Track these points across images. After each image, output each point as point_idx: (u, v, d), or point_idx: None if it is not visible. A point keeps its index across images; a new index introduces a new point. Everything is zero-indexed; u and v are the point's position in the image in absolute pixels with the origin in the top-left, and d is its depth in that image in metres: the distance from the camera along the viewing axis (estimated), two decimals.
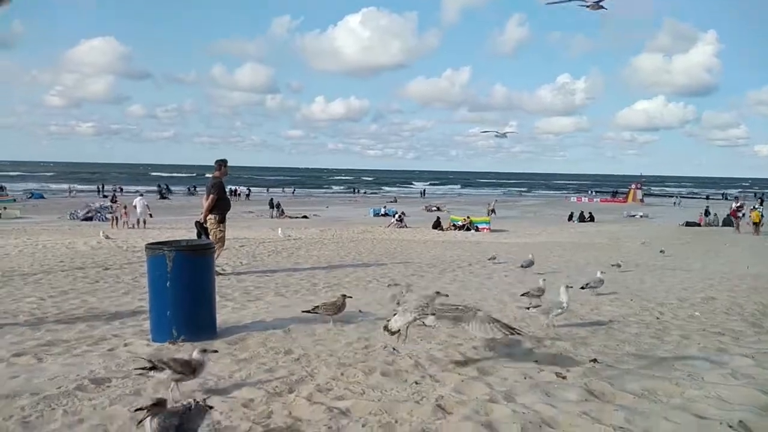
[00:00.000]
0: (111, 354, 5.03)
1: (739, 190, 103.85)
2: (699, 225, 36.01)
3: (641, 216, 45.81)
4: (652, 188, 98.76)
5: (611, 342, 5.65)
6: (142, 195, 30.12)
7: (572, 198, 75.04)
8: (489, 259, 13.69)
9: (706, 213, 39.55)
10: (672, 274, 12.34)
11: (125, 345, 5.34)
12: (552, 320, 6.21)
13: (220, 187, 10.36)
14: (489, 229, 30.51)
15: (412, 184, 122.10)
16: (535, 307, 6.32)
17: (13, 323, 6.31)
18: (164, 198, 55.60)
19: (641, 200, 65.05)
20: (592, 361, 4.82)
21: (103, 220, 30.03)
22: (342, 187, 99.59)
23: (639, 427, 3.33)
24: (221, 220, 10.28)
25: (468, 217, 32.45)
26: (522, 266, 11.66)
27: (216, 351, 4.62)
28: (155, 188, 64.08)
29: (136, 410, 2.81)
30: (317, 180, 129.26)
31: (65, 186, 68.99)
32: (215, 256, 7.57)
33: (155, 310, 5.60)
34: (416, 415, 3.56)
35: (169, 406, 3.06)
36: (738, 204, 33.30)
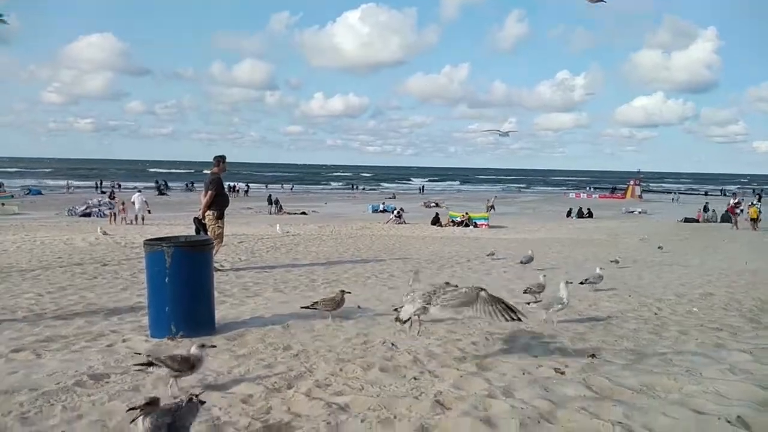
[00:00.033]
0: (110, 350, 5.03)
1: (738, 186, 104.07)
2: (697, 221, 36.09)
3: (640, 212, 45.88)
4: (651, 184, 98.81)
5: (610, 337, 5.66)
6: (140, 191, 30.01)
7: (571, 194, 75.07)
8: (487, 255, 13.70)
9: (705, 209, 39.61)
10: (670, 270, 12.37)
11: (124, 341, 5.34)
12: (552, 316, 6.22)
13: (219, 184, 10.34)
14: (487, 225, 30.54)
15: (410, 180, 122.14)
16: (535, 302, 6.33)
17: (12, 319, 6.30)
18: (162, 194, 55.53)
19: (640, 196, 65.13)
20: (590, 356, 4.83)
21: (101, 216, 29.98)
22: (340, 184, 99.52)
23: (637, 423, 3.33)
24: (220, 216, 10.27)
25: (466, 214, 32.47)
26: (522, 262, 11.67)
27: (214, 346, 4.62)
28: (153, 184, 63.99)
29: (129, 410, 2.81)
30: (316, 176, 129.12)
31: (63, 182, 68.82)
32: (214, 252, 7.56)
33: (154, 306, 5.60)
34: (415, 411, 3.56)
35: (165, 402, 3.06)
36: (736, 200, 33.41)
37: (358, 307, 6.94)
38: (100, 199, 33.88)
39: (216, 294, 6.39)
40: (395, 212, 33.37)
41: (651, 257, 15.32)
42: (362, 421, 3.41)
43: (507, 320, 4.33)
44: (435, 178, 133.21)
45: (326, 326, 5.94)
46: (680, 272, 12.07)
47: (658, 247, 17.46)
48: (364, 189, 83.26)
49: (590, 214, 40.45)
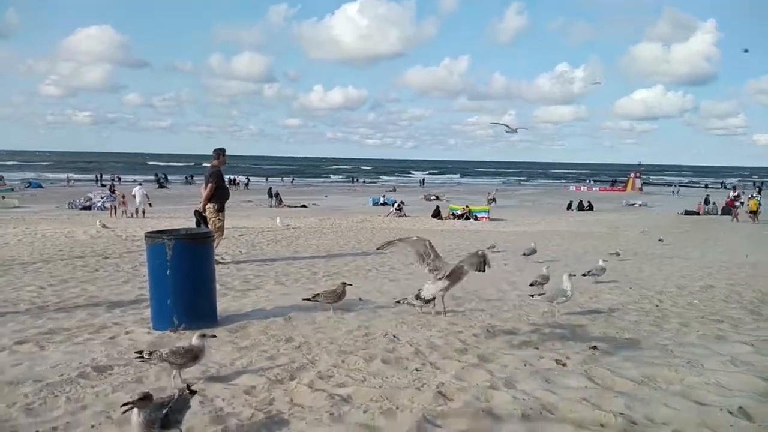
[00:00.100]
0: (112, 342, 5.05)
1: (739, 179, 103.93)
2: (698, 214, 36.07)
3: (640, 205, 45.85)
4: (651, 177, 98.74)
5: (611, 329, 5.68)
6: (141, 184, 29.98)
7: (571, 187, 75.01)
8: (488, 248, 13.70)
9: (706, 201, 39.58)
10: (671, 263, 12.38)
11: (126, 333, 5.35)
12: (556, 308, 6.24)
13: (219, 176, 10.34)
14: (488, 217, 30.53)
15: (410, 173, 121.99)
16: (539, 295, 6.34)
17: (14, 312, 6.32)
18: (162, 187, 55.48)
19: (640, 189, 65.09)
20: (591, 348, 4.84)
21: (102, 209, 29.97)
22: (341, 177, 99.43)
23: (639, 413, 3.35)
24: (220, 209, 10.27)
25: (467, 206, 32.45)
26: (524, 254, 11.68)
27: (215, 336, 4.63)
28: (153, 177, 63.92)
29: (124, 405, 2.83)
30: (316, 169, 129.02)
31: (63, 175, 68.74)
32: (215, 245, 7.57)
33: (156, 298, 5.61)
34: (417, 402, 3.58)
35: (168, 393, 3.09)
36: (735, 193, 33.39)
37: (360, 299, 6.96)
38: (102, 194, 33.79)
39: (217, 287, 6.39)
40: (396, 205, 33.34)
41: (652, 250, 15.33)
42: (365, 411, 3.43)
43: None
44: (435, 171, 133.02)
45: (328, 318, 5.95)
46: (681, 264, 12.09)
47: (659, 240, 17.47)
48: (364, 182, 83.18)
49: (590, 207, 40.43)
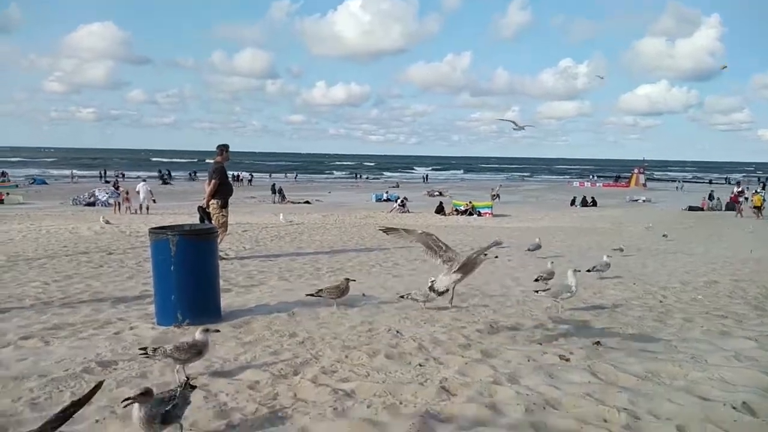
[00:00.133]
0: (117, 337, 5.06)
1: (743, 174, 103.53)
2: (702, 209, 35.95)
3: (644, 201, 45.75)
4: (655, 173, 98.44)
5: (614, 325, 5.67)
6: (144, 181, 30.07)
7: (575, 183, 74.87)
8: (492, 243, 13.68)
9: (710, 197, 39.45)
10: (674, 258, 12.36)
11: (131, 328, 5.37)
12: (560, 304, 6.24)
13: (222, 172, 10.33)
14: (491, 213, 30.51)
15: (413, 169, 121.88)
16: (544, 291, 6.34)
17: (20, 307, 6.34)
18: (166, 183, 55.60)
19: (644, 185, 64.89)
20: (595, 343, 4.84)
21: (106, 205, 30.07)
22: (344, 173, 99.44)
23: (643, 409, 3.34)
24: (224, 205, 10.27)
25: (470, 202, 32.43)
26: (529, 249, 11.67)
27: (218, 331, 4.64)
28: (156, 174, 64.04)
29: (125, 400, 2.85)
30: (319, 165, 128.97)
31: (67, 172, 68.95)
32: (218, 240, 7.58)
33: (160, 294, 5.62)
34: (420, 397, 3.58)
35: (170, 388, 3.11)
36: (739, 189, 33.28)
37: (363, 295, 6.96)
38: (106, 190, 33.89)
39: (221, 282, 6.41)
40: (399, 201, 33.34)
41: (655, 245, 15.30)
42: (368, 406, 3.44)
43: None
44: (438, 167, 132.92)
45: (331, 314, 5.96)
46: (685, 260, 12.06)
47: (663, 236, 17.44)
48: (367, 178, 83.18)
49: (594, 203, 40.36)
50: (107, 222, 17.14)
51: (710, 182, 76.85)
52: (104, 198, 31.86)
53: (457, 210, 31.43)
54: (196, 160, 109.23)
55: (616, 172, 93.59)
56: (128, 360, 4.34)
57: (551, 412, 3.36)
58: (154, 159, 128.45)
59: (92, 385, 3.80)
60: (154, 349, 3.89)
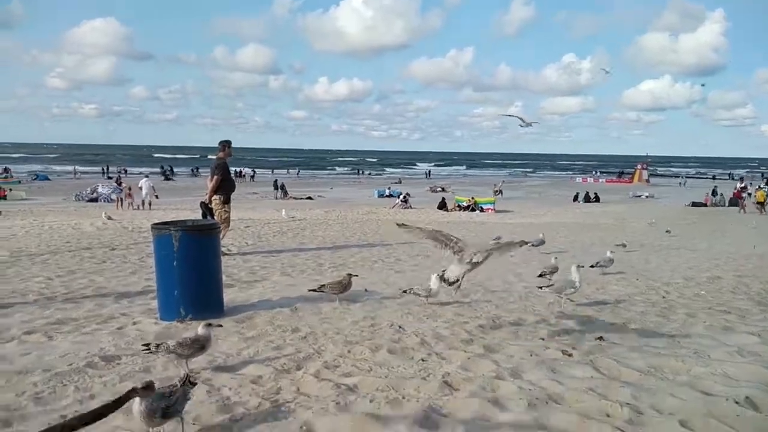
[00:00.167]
0: (120, 332, 5.08)
1: (747, 170, 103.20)
2: (705, 205, 35.88)
3: (647, 197, 45.65)
4: (658, 169, 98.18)
5: (617, 320, 5.66)
6: (147, 176, 30.12)
7: (577, 178, 74.68)
8: (493, 240, 13.68)
9: (714, 193, 39.35)
10: (677, 254, 12.34)
11: (134, 323, 5.39)
12: (563, 299, 6.23)
13: (225, 168, 10.34)
14: (493, 209, 30.49)
15: (416, 165, 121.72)
16: (548, 287, 6.33)
17: (23, 302, 6.36)
18: (168, 179, 55.64)
19: (647, 181, 64.73)
20: (598, 338, 4.83)
21: (108, 201, 30.12)
22: (346, 169, 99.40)
23: (645, 403, 3.34)
24: (226, 201, 10.28)
25: (473, 198, 32.40)
26: (533, 245, 11.65)
27: (221, 326, 4.65)
28: (158, 170, 64.07)
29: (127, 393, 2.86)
30: (321, 161, 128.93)
31: (69, 168, 68.96)
32: (221, 236, 7.59)
33: (162, 289, 5.64)
34: (423, 392, 3.58)
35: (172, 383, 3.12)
36: (742, 185, 33.19)
37: (365, 290, 6.97)
38: (108, 186, 33.94)
39: (224, 278, 6.43)
40: (401, 197, 33.32)
41: (658, 241, 15.28)
42: (371, 401, 3.44)
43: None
44: (441, 163, 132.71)
45: (334, 309, 5.97)
46: (688, 256, 12.04)
47: (666, 231, 17.41)
48: (369, 174, 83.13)
49: (597, 199, 40.29)
50: (109, 218, 17.17)
51: (713, 178, 76.64)
52: (107, 192, 31.90)
53: (459, 206, 31.40)
54: (198, 156, 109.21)
55: (619, 167, 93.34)
56: (131, 355, 4.35)
57: (554, 406, 3.36)
58: (156, 155, 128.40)
59: (96, 380, 3.84)
60: (157, 346, 3.90)
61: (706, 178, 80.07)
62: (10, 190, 35.19)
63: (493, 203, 31.87)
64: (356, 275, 6.61)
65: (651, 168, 73.98)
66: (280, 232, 14.68)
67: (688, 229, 19.90)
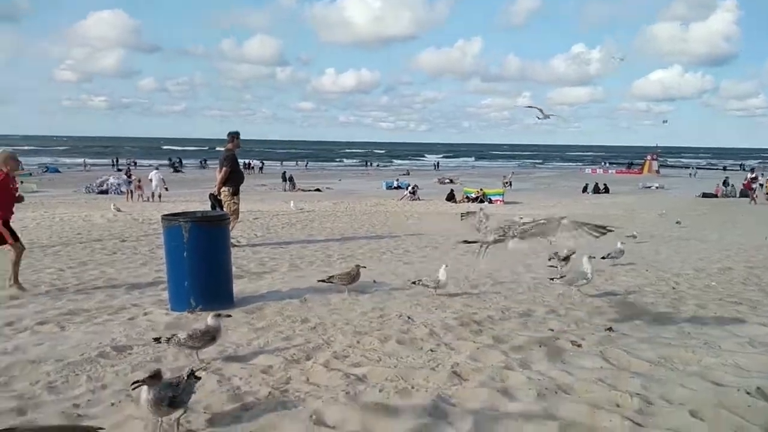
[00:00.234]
0: (131, 323, 5.13)
1: (759, 161, 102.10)
2: (716, 196, 35.54)
3: (657, 187, 45.27)
4: (669, 159, 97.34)
5: (627, 311, 5.64)
6: (157, 169, 30.24)
7: (587, 170, 74.15)
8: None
9: (725, 183, 38.95)
10: (688, 245, 12.25)
11: (145, 314, 5.44)
12: (575, 290, 6.22)
13: (233, 160, 10.35)
14: (502, 201, 30.38)
15: (424, 156, 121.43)
16: (560, 278, 6.31)
17: (35, 293, 6.43)
18: (177, 171, 55.84)
19: (657, 171, 64.20)
20: (607, 329, 4.82)
21: (118, 193, 30.29)
22: (354, 161, 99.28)
23: (655, 394, 3.34)
24: (235, 192, 10.30)
25: (481, 189, 32.29)
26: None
27: (229, 315, 4.68)
28: (167, 162, 64.29)
29: (134, 383, 2.89)
30: (329, 153, 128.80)
31: (79, 160, 69.38)
32: (230, 227, 7.62)
33: (173, 280, 5.68)
34: (432, 381, 3.59)
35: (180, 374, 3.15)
36: (753, 175, 32.83)
37: (374, 281, 6.98)
38: (118, 178, 34.10)
39: (233, 269, 6.46)
40: (409, 189, 33.26)
41: (669, 232, 15.17)
42: (380, 391, 3.45)
43: (596, 236, 4.35)
44: (449, 154, 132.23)
45: (343, 300, 5.98)
46: (698, 247, 11.96)
47: (676, 222, 17.28)
48: (377, 166, 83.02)
49: (606, 190, 40.01)
50: (118, 210, 17.28)
51: (724, 169, 75.87)
52: (116, 184, 32.05)
53: (468, 197, 31.29)
54: (206, 148, 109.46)
55: (629, 158, 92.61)
56: (143, 345, 4.40)
57: (563, 396, 3.36)
58: (165, 147, 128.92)
59: (108, 369, 3.88)
60: (168, 339, 3.94)
61: (717, 169, 79.31)
62: (21, 182, 35.25)
63: (502, 195, 31.74)
64: (365, 266, 6.62)
65: (661, 159, 73.34)
66: (288, 224, 14.72)
67: (699, 220, 19.75)
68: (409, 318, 5.19)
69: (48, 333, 4.81)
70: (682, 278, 7.73)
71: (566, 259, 7.72)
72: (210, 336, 3.94)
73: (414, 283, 6.33)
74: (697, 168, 72.78)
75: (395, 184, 42.33)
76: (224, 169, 10.17)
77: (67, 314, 5.40)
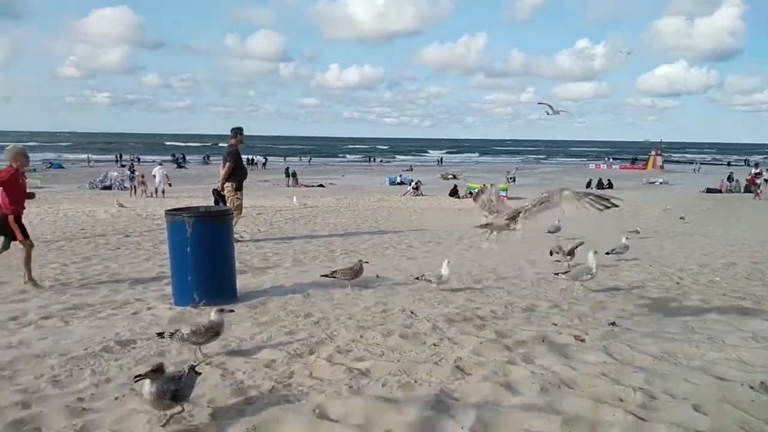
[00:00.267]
0: (135, 317, 5.15)
1: (764, 156, 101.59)
2: (720, 191, 35.41)
3: (661, 183, 45.12)
4: (673, 155, 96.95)
5: (630, 306, 5.64)
6: (161, 164, 30.24)
7: (591, 165, 73.93)
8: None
9: (729, 179, 38.78)
10: (692, 241, 12.22)
11: (148, 309, 5.46)
12: (578, 286, 6.21)
13: (237, 155, 10.37)
14: (506, 196, 30.33)
15: (427, 152, 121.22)
16: (564, 273, 6.30)
17: (39, 288, 6.45)
18: (180, 167, 55.88)
19: (661, 167, 63.96)
20: (611, 324, 4.82)
21: (122, 189, 30.35)
22: (358, 156, 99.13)
23: (659, 388, 3.33)
24: (238, 188, 10.32)
25: (484, 185, 32.22)
26: (549, 232, 11.60)
27: (233, 311, 4.69)
28: (170, 158, 64.33)
29: (136, 376, 2.90)
30: (333, 149, 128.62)
31: (83, 156, 69.47)
32: (233, 223, 7.63)
33: (176, 275, 5.69)
34: (435, 376, 3.59)
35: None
36: (757, 170, 32.69)
37: (377, 276, 6.99)
38: (122, 174, 34.18)
39: (237, 264, 6.47)
40: (413, 184, 33.23)
41: (673, 227, 15.13)
42: (383, 385, 3.46)
43: (600, 209, 4.26)
44: (453, 150, 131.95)
45: (346, 295, 5.99)
46: (702, 242, 11.92)
47: (680, 218, 17.23)
48: (381, 161, 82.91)
49: (610, 185, 39.94)
50: (121, 205, 17.33)
51: (729, 164, 75.48)
52: (119, 180, 32.11)
53: (471, 193, 31.23)
54: (210, 144, 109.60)
55: (633, 154, 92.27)
56: (146, 339, 4.41)
57: (566, 391, 3.35)
58: (168, 143, 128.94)
59: (111, 364, 3.89)
60: (171, 334, 3.95)
61: (721, 164, 78.91)
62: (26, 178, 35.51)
63: (506, 190, 31.66)
64: (368, 261, 6.63)
65: (665, 154, 73.05)
66: (291, 219, 14.73)
67: (703, 215, 19.68)
68: (412, 313, 5.19)
69: (52, 327, 4.83)
70: (685, 273, 7.72)
71: (571, 253, 7.71)
72: (214, 332, 3.96)
73: (417, 278, 6.34)
74: (701, 163, 72.49)
75: (398, 179, 42.27)
76: (228, 164, 10.18)
77: (71, 309, 5.42)
